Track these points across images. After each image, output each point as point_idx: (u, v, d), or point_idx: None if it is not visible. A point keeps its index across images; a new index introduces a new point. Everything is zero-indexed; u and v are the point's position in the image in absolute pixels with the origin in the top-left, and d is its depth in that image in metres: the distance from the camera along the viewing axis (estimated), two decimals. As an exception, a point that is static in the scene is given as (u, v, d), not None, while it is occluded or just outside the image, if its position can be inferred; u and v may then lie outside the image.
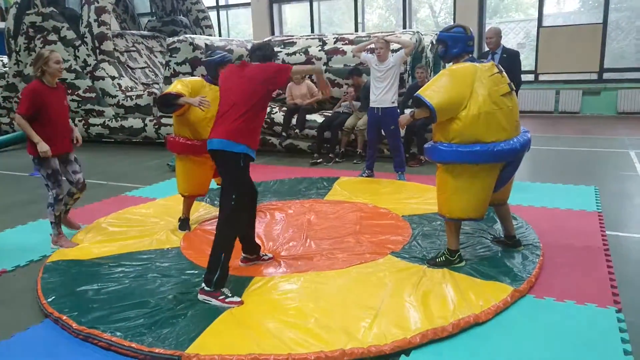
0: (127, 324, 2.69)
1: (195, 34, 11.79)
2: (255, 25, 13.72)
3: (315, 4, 13.34)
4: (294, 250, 3.70)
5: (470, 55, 3.27)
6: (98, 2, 9.27)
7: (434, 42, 8.55)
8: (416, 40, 7.42)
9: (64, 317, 2.79)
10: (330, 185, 5.52)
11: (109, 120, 9.29)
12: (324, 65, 7.82)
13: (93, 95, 9.32)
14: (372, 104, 5.72)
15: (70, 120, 4.21)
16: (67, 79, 9.44)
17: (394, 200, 4.85)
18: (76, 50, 9.35)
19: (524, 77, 11.17)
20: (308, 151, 7.46)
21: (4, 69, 10.67)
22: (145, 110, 8.93)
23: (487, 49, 5.58)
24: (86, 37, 9.27)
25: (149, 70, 10.62)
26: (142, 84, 9.99)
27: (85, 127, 9.53)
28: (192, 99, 3.91)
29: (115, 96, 9.17)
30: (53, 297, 3.06)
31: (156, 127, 8.82)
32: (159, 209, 4.88)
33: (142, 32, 11.65)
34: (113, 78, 9.27)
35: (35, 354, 2.55)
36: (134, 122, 9.05)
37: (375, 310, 2.74)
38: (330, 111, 7.59)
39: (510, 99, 3.13)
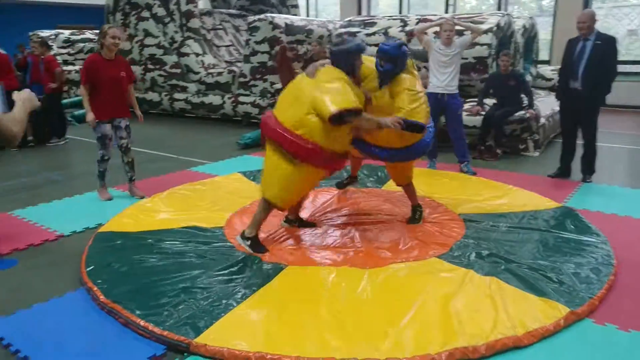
0: (150, 303, 2.68)
1: (281, 13, 11.81)
2: (343, 5, 13.46)
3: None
4: (334, 240, 3.52)
5: None
6: (187, -20, 9.52)
7: (527, 26, 7.85)
8: (504, 24, 6.83)
9: (95, 289, 2.85)
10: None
11: (191, 96, 9.59)
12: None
13: (178, 71, 9.66)
14: (435, 89, 5.33)
15: (131, 90, 4.62)
16: (156, 54, 9.87)
17: (454, 195, 4.49)
18: (165, 27, 9.71)
19: (633, 68, 10.03)
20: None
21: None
22: (224, 87, 9.10)
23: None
24: (175, 15, 9.58)
25: (234, 49, 10.79)
26: (225, 61, 10.18)
27: (170, 101, 9.93)
28: (385, 119, 3.19)
29: (198, 73, 9.43)
30: (92, 267, 3.14)
31: (234, 104, 8.96)
32: (212, 186, 4.90)
33: (230, 10, 11.85)
34: (197, 55, 9.52)
35: (59, 322, 2.62)
36: (213, 98, 9.27)
37: (403, 317, 2.50)
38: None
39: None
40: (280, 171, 3.22)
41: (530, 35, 8.11)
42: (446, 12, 11.99)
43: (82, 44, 12.89)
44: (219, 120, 9.52)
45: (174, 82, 9.78)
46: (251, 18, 8.66)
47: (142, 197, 4.64)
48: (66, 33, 13.37)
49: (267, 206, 3.34)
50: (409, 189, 3.91)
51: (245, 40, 8.70)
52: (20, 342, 2.42)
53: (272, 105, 8.04)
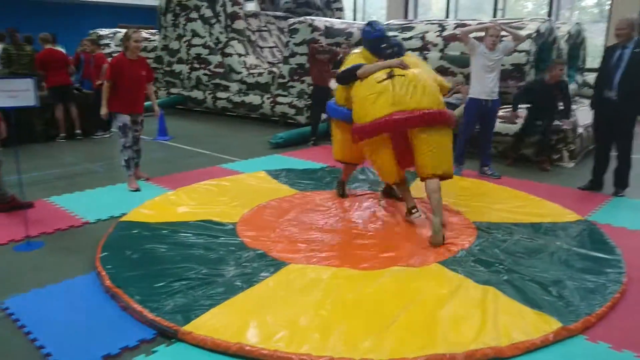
0: (150, 290, 2.82)
1: (326, 16, 11.92)
2: (390, 8, 13.41)
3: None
4: (340, 240, 3.56)
5: None
6: (234, -17, 9.79)
7: (572, 33, 7.57)
8: (544, 30, 6.62)
9: (103, 273, 3.02)
10: (413, 180, 5.20)
11: (233, 95, 9.86)
12: (439, 51, 7.35)
13: (222, 70, 9.95)
14: (478, 95, 5.26)
15: (150, 87, 5.15)
16: (201, 54, 10.21)
17: (474, 202, 4.41)
18: (211, 28, 10.02)
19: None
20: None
21: (155, 43, 11.86)
22: (264, 87, 9.30)
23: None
24: (220, 16, 9.88)
25: (277, 50, 10.99)
26: (268, 62, 10.39)
27: (213, 100, 10.24)
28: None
29: (239, 72, 9.67)
30: (106, 253, 3.33)
31: (272, 104, 9.13)
32: (236, 183, 5.04)
33: (276, 12, 12.07)
34: (240, 55, 9.77)
35: (66, 302, 2.80)
36: (253, 98, 9.48)
37: (389, 321, 2.51)
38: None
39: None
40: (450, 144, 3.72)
41: (576, 41, 7.81)
42: (494, 16, 11.71)
43: (137, 43, 13.48)
44: (257, 119, 9.73)
45: (217, 81, 10.08)
46: (291, 20, 8.81)
47: (147, 179, 5.26)
48: (123, 32, 14.03)
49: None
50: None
51: (285, 41, 8.85)
52: (27, 318, 2.62)
53: (308, 107, 8.26)
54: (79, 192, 4.92)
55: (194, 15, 10.24)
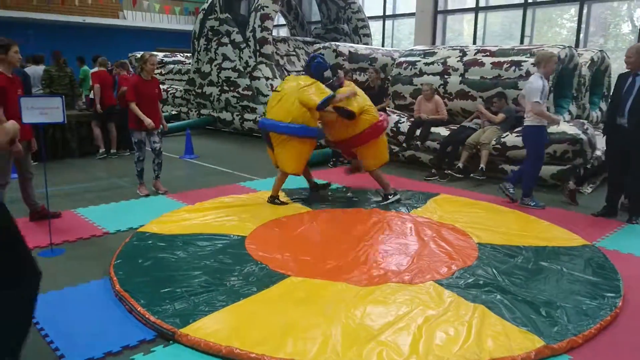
0: (155, 294, 3.01)
1: (354, 42, 12.22)
2: (417, 34, 13.61)
3: (481, 15, 12.73)
4: (342, 257, 3.67)
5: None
6: (264, 10, 10.19)
7: (595, 59, 7.56)
8: (564, 56, 6.65)
9: (114, 278, 3.23)
10: (425, 201, 5.29)
11: (259, 117, 10.15)
12: (459, 76, 7.45)
13: (249, 93, 10.29)
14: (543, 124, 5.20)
15: (159, 105, 5.62)
16: (231, 77, 10.60)
17: (480, 224, 4.46)
18: (241, 52, 10.42)
19: None
20: (429, 164, 7.20)
21: (188, 66, 12.39)
22: (289, 110, 9.55)
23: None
24: (250, 41, 10.27)
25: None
26: (295, 85, 10.68)
27: (241, 121, 10.58)
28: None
29: (266, 95, 9.98)
30: (120, 261, 3.55)
31: (296, 126, 9.36)
32: (251, 200, 5.24)
33: (305, 38, 12.45)
34: (267, 79, 10.10)
35: (78, 304, 3.01)
36: (278, 120, 9.74)
37: (374, 334, 2.60)
38: (458, 125, 7.21)
39: (280, 93, 5.06)
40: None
41: (600, 68, 7.77)
42: (521, 42, 11.73)
43: (172, 65, 14.08)
44: (282, 140, 9.97)
45: (245, 103, 10.42)
46: (316, 46, 9.09)
47: (165, 192, 5.66)
48: (160, 55, 14.69)
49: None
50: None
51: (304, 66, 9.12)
52: (42, 317, 2.82)
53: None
54: (104, 204, 5.21)
55: (225, 40, 10.68)
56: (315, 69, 5.16)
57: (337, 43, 9.00)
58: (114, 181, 6.42)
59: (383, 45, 14.98)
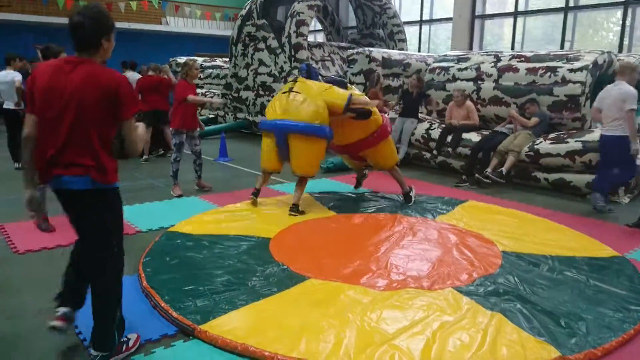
0: (179, 292, 3.13)
1: (389, 47, 12.21)
2: (454, 39, 13.48)
3: (520, 20, 12.48)
4: (363, 261, 3.71)
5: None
6: (299, 16, 10.33)
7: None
8: (602, 61, 6.48)
9: (142, 275, 3.38)
10: (453, 207, 5.25)
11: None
12: (493, 82, 7.35)
13: (284, 97, 10.44)
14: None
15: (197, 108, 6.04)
16: (266, 82, 10.78)
17: (506, 232, 4.41)
18: (277, 58, 10.59)
19: None
20: (460, 170, 7.13)
21: (226, 71, 12.66)
22: (322, 114, 9.64)
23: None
24: (285, 46, 10.43)
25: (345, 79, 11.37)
26: (329, 90, 10.77)
27: (275, 125, 10.74)
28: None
29: (300, 100, 10.10)
30: (149, 258, 3.70)
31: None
32: (278, 203, 5.34)
33: (340, 43, 12.53)
34: (301, 83, 10.22)
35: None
36: (312, 124, 9.84)
37: (389, 337, 2.63)
38: (490, 131, 7.11)
39: (291, 95, 5.05)
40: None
41: (643, 74, 7.48)
42: (561, 47, 11.44)
43: (210, 70, 14.42)
44: (315, 144, 10.06)
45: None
46: (350, 51, 9.14)
47: (210, 188, 6.05)
48: (199, 60, 15.07)
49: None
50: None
51: (344, 72, 9.19)
52: (73, 308, 2.99)
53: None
54: (138, 204, 5.42)
55: (261, 45, 10.88)
56: (315, 75, 5.36)
57: (370, 49, 9.04)
58: (150, 182, 6.65)
59: (419, 51, 14.90)
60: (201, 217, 4.78)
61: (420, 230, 4.45)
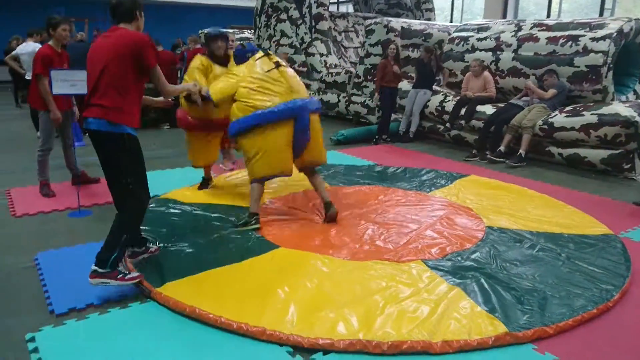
0: (154, 252, 3.22)
1: (416, 17, 11.84)
2: (487, 8, 12.92)
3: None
4: (341, 232, 3.68)
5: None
6: (320, -15, 10.14)
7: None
8: (629, 29, 6.05)
9: (118, 239, 3.48)
10: (452, 182, 5.12)
11: (312, 94, 10.21)
12: (512, 52, 7.03)
13: (304, 69, 10.36)
14: None
15: None
16: (288, 53, 10.70)
17: (499, 207, 4.27)
18: (297, 29, 10.48)
19: None
20: (474, 144, 6.91)
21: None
22: (341, 87, 9.53)
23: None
24: (306, 17, 10.29)
25: (361, 50, 11.15)
26: (351, 62, 10.61)
27: (296, 97, 10.68)
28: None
29: (320, 72, 10.01)
30: (132, 223, 3.81)
31: (347, 103, 9.34)
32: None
33: (366, 14, 12.23)
34: (321, 55, 10.10)
35: (81, 259, 3.24)
36: (331, 97, 9.76)
37: (338, 305, 2.62)
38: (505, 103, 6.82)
39: (280, 72, 3.91)
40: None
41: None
42: (601, 14, 10.77)
43: (239, 42, 14.44)
44: (333, 117, 9.98)
45: (300, 79, 10.48)
46: (368, 21, 8.93)
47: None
48: (230, 32, 15.11)
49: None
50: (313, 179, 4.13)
51: (362, 42, 9.00)
52: (47, 269, 3.13)
53: (379, 107, 8.34)
54: (149, 171, 5.53)
55: (283, 16, 10.77)
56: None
57: (389, 18, 8.79)
58: (161, 151, 6.80)
59: (451, 21, 14.38)
60: (195, 186, 4.86)
61: (408, 204, 4.36)
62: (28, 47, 7.29)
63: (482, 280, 2.91)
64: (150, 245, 3.29)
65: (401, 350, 2.30)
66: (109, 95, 2.73)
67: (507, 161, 6.06)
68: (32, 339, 2.41)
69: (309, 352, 2.32)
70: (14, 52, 8.52)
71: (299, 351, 2.33)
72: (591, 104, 5.98)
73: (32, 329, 2.49)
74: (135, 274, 2.88)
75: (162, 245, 3.38)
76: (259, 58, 4.02)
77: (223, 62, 4.37)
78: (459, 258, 3.25)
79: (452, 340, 2.33)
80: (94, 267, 2.76)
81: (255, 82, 3.83)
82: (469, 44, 7.70)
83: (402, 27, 8.62)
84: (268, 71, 3.91)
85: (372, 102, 8.66)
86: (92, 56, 2.83)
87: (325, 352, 2.31)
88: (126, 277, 2.80)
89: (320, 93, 10.01)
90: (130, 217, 2.91)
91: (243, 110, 3.79)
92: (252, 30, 14.89)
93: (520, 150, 6.04)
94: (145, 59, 2.77)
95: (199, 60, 4.38)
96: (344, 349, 2.31)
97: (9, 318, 2.63)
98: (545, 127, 5.99)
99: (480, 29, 7.73)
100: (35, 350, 2.33)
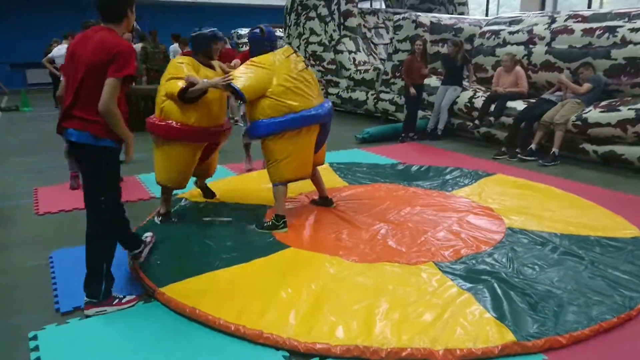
0: (160, 252, 3.24)
1: (448, 12, 11.56)
2: (524, 1, 12.47)
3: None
4: (353, 232, 3.59)
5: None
6: (348, -18, 10.02)
7: None
8: (670, 18, 5.69)
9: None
10: (476, 180, 4.93)
11: (341, 91, 10.13)
12: (545, 45, 6.73)
13: (333, 67, 10.28)
14: None
15: None
16: (317, 51, 10.65)
17: (522, 208, 4.08)
18: (326, 26, 10.40)
19: None
20: (504, 142, 6.65)
21: (282, 42, 12.65)
22: (369, 84, 9.40)
23: None
24: (334, 14, 10.19)
25: (390, 46, 10.97)
26: (381, 59, 10.45)
27: (325, 95, 10.62)
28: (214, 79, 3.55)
29: (349, 69, 9.90)
30: (146, 222, 3.84)
31: (375, 101, 9.20)
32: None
33: (397, 10, 12.03)
34: (350, 52, 9.99)
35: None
36: (359, 94, 9.64)
37: (339, 309, 2.54)
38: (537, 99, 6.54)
39: (308, 73, 3.70)
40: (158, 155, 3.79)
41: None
42: (645, 6, 10.20)
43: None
44: (361, 115, 9.86)
45: (329, 77, 10.43)
46: (396, 17, 8.75)
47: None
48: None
49: (162, 190, 3.90)
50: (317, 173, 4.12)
51: (390, 38, 8.84)
52: (59, 267, 3.18)
53: (405, 104, 8.16)
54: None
55: (312, 14, 10.72)
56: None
57: (418, 13, 8.59)
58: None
59: (487, 15, 13.97)
60: (213, 185, 4.85)
61: (425, 203, 4.22)
62: (63, 50, 7.52)
63: (495, 285, 2.76)
64: (145, 237, 3.23)
65: (400, 357, 2.20)
66: (91, 106, 2.48)
67: (539, 160, 5.81)
68: (35, 337, 2.44)
69: (305, 357, 2.26)
70: (49, 55, 8.81)
71: (295, 356, 2.27)
72: (629, 99, 5.65)
73: (36, 327, 2.53)
74: (131, 296, 2.77)
75: (170, 244, 3.39)
76: (292, 54, 3.68)
77: (209, 64, 3.84)
78: (473, 261, 3.11)
79: (455, 348, 2.21)
80: (87, 300, 2.65)
81: (291, 81, 3.54)
82: (500, 37, 7.44)
83: (431, 22, 8.41)
84: (301, 70, 3.65)
85: (401, 99, 8.48)
86: (71, 58, 2.56)
87: (322, 357, 2.24)
88: (123, 301, 2.71)
89: (349, 91, 9.91)
90: (104, 235, 2.70)
91: (276, 109, 3.48)
92: (282, 29, 14.96)
93: (554, 149, 5.77)
94: (109, 66, 2.42)
95: (184, 59, 3.73)
96: (341, 355, 2.23)
97: (16, 315, 2.68)
98: (579, 123, 5.70)
99: (513, 22, 7.44)
100: (36, 348, 2.36)
